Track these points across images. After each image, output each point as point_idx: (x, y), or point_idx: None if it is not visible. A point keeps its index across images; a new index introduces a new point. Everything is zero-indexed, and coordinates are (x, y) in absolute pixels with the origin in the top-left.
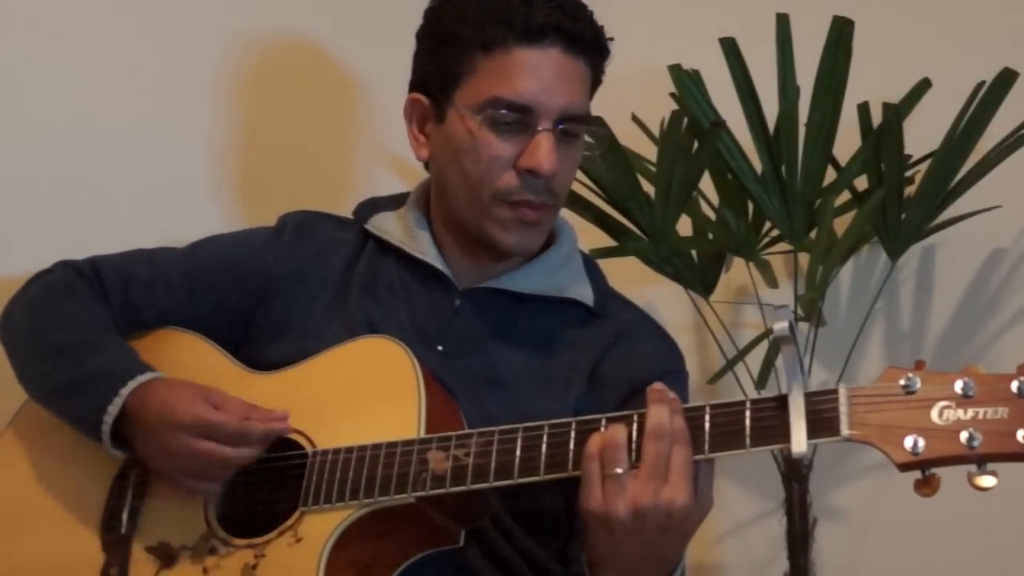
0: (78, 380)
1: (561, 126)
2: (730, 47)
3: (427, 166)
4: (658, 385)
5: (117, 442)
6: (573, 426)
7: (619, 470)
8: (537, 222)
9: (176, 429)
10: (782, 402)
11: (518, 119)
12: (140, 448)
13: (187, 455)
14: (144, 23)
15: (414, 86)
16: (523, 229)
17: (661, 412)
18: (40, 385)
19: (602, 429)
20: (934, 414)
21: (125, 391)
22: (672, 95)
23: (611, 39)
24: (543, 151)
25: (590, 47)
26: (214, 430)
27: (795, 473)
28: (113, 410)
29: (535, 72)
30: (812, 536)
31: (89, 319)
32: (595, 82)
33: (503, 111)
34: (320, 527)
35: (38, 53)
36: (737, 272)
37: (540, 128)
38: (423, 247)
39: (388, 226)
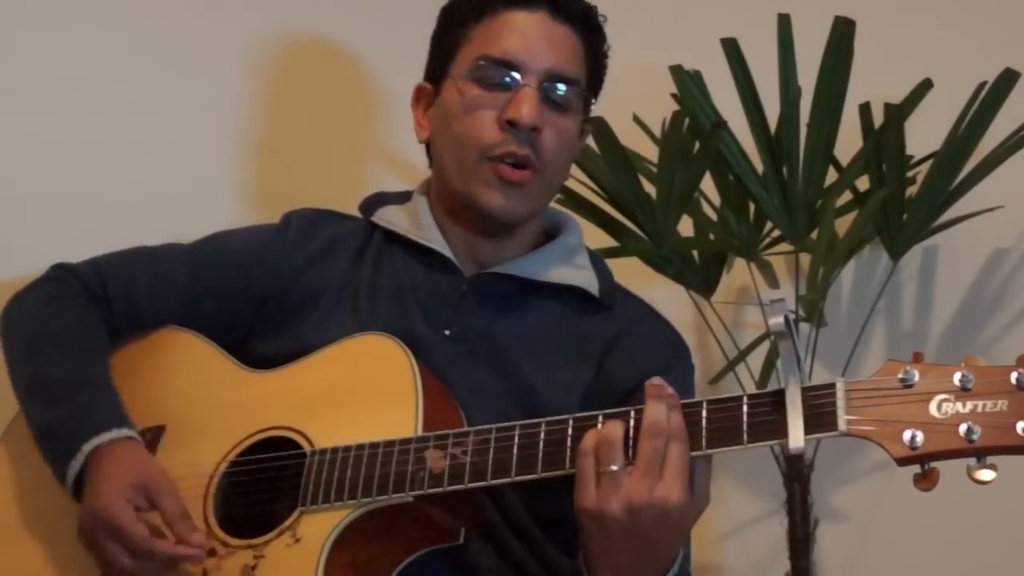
0: (51, 424)
1: (546, 84)
2: (731, 48)
3: (429, 157)
4: (656, 380)
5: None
6: (570, 423)
7: (614, 467)
8: (518, 182)
9: (97, 513)
10: (779, 397)
11: (503, 76)
12: (81, 503)
13: (98, 548)
14: (154, 22)
15: (423, 79)
16: (506, 189)
17: (658, 408)
18: (24, 413)
19: (599, 426)
20: (932, 407)
21: (87, 447)
22: (673, 96)
23: (604, 17)
24: (526, 102)
25: (577, 15)
26: (123, 538)
27: (796, 474)
28: (76, 464)
29: (521, 31)
30: (813, 537)
31: (77, 348)
32: (590, 58)
33: (489, 67)
34: (319, 527)
35: (42, 53)
36: (738, 272)
37: (524, 83)
38: (429, 234)
39: (394, 217)
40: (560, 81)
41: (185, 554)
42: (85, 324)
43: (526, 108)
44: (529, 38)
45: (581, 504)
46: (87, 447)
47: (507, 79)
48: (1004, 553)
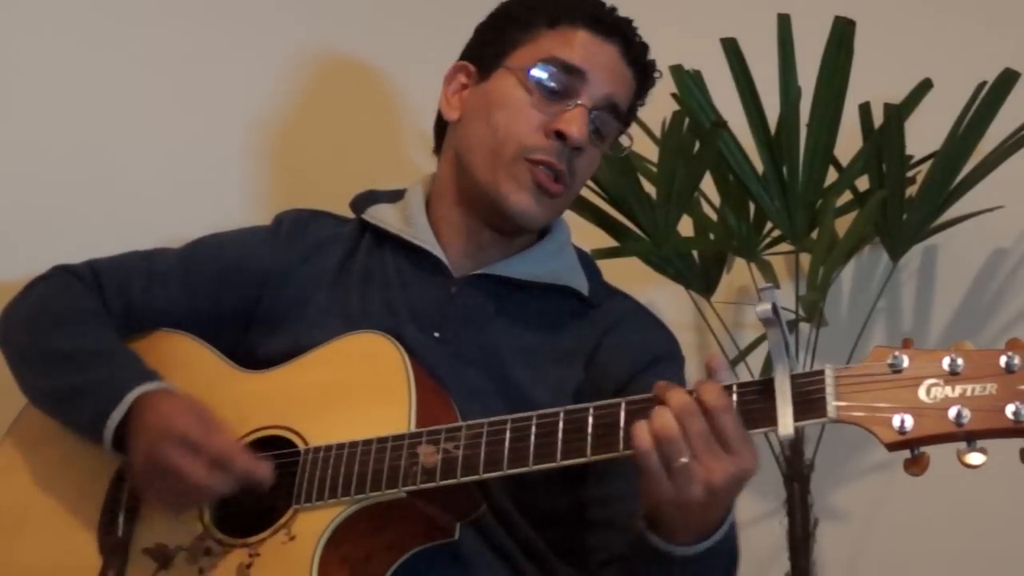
0: (84, 385)
1: (596, 112)
2: (731, 48)
3: (437, 147)
4: (662, 383)
5: (116, 447)
6: (561, 415)
7: (684, 460)
8: (551, 191)
9: (164, 437)
10: (768, 385)
11: (564, 86)
12: (130, 452)
13: (165, 466)
14: (162, 34)
15: (461, 59)
16: (536, 193)
17: (679, 393)
18: (43, 390)
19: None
20: (921, 392)
21: (130, 397)
22: (673, 95)
23: (659, 74)
24: (578, 120)
25: (641, 64)
26: (199, 448)
27: (796, 473)
28: (117, 415)
29: (593, 53)
30: (813, 537)
31: (93, 325)
32: (631, 109)
33: (555, 70)
34: (313, 524)
35: (47, 53)
36: (738, 272)
37: (580, 101)
38: (420, 234)
39: (385, 215)
40: (610, 111)
41: (259, 470)
42: (94, 307)
43: (577, 126)
44: (598, 62)
45: (660, 498)
46: (130, 396)
47: (567, 88)
48: (1004, 552)
